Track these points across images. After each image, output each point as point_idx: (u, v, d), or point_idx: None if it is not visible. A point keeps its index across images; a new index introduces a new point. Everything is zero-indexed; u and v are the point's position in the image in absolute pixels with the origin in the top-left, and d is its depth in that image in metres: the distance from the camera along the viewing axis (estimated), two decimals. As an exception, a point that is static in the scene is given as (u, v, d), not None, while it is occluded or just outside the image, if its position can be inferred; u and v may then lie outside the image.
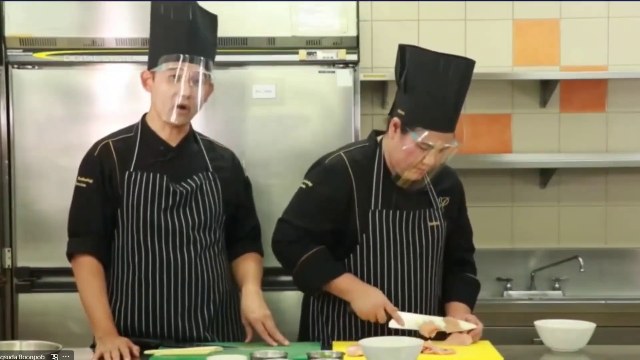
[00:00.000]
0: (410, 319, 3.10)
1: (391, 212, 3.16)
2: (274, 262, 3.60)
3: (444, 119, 3.04)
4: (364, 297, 3.10)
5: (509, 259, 4.71)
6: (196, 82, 3.13)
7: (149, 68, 3.18)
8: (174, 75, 3.10)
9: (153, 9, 3.21)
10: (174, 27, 3.15)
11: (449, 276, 3.31)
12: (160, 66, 3.12)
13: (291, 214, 3.23)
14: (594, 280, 4.71)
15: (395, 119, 3.11)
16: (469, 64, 3.08)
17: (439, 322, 3.11)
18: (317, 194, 3.19)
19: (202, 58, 3.14)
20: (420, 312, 3.19)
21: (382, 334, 3.09)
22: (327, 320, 3.26)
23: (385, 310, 3.07)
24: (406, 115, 3.07)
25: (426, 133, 3.03)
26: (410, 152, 3.07)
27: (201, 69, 3.13)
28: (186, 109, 3.14)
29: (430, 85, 3.04)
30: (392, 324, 3.08)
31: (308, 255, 3.16)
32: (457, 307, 3.22)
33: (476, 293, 3.34)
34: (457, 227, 3.30)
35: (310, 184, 3.22)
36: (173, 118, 3.13)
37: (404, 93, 3.10)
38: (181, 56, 3.11)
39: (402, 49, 3.12)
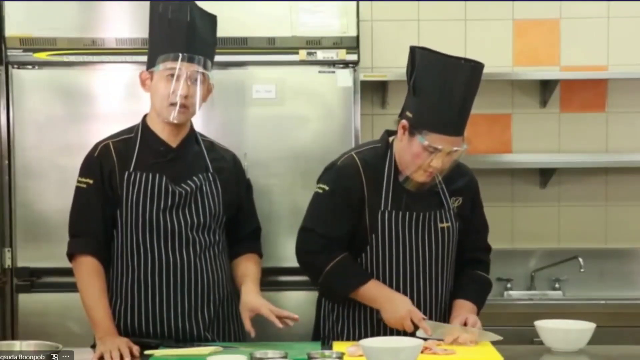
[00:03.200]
0: (437, 328, 3.09)
1: (400, 213, 3.16)
2: (274, 262, 3.61)
3: (451, 122, 3.03)
4: (390, 306, 3.10)
5: (509, 259, 4.71)
6: (195, 81, 3.13)
7: (148, 68, 3.18)
8: (173, 75, 3.10)
9: (152, 9, 3.22)
10: (173, 28, 3.15)
11: (460, 274, 3.30)
12: (158, 66, 3.13)
13: (313, 221, 3.20)
14: (594, 280, 4.71)
15: (404, 122, 3.10)
16: (476, 66, 3.05)
17: (461, 332, 3.07)
18: (335, 197, 3.17)
19: (200, 57, 3.14)
20: (431, 312, 3.18)
21: (392, 334, 3.10)
22: (338, 318, 3.27)
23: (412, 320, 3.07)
24: (414, 118, 3.07)
25: (433, 136, 3.02)
26: (417, 155, 3.06)
27: (200, 68, 3.13)
28: (184, 108, 3.14)
29: (438, 88, 3.02)
30: (420, 333, 3.05)
31: (333, 263, 3.14)
32: (462, 305, 3.21)
33: (486, 292, 3.32)
34: (470, 225, 3.29)
35: (327, 188, 3.19)
36: (172, 117, 3.13)
37: (412, 95, 3.09)
38: (179, 55, 3.11)
39: (413, 51, 3.11)
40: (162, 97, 3.13)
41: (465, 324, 3.11)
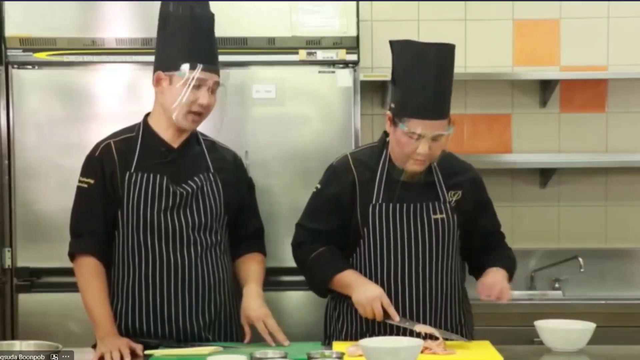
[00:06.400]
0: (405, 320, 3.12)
1: (391, 205, 3.17)
2: (274, 262, 3.61)
3: (426, 106, 3.05)
4: (362, 289, 3.12)
5: (509, 259, 4.71)
6: (213, 91, 3.16)
7: (165, 70, 3.14)
8: (198, 85, 3.11)
9: (171, 9, 3.16)
10: (196, 33, 3.14)
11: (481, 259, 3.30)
12: (184, 72, 3.10)
13: (304, 217, 3.31)
14: (594, 280, 4.71)
15: (388, 112, 3.16)
16: (443, 47, 3.09)
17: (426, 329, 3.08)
18: (324, 194, 3.25)
19: (218, 68, 3.18)
20: (427, 306, 3.17)
21: (391, 333, 3.10)
22: (339, 317, 3.28)
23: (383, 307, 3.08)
24: (395, 107, 3.11)
25: (412, 122, 3.05)
26: (403, 143, 3.09)
27: (218, 79, 3.17)
28: (201, 116, 3.17)
29: (410, 74, 3.07)
30: (389, 320, 3.09)
31: (315, 254, 3.21)
32: (492, 271, 3.19)
33: (510, 260, 3.28)
34: (478, 225, 3.28)
35: (319, 186, 3.29)
36: (187, 124, 3.16)
37: (393, 86, 3.15)
38: (206, 66, 3.12)
39: (391, 45, 3.16)
40: (182, 104, 3.12)
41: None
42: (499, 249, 3.33)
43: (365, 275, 3.18)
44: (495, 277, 3.16)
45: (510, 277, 3.25)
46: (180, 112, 3.13)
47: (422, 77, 3.05)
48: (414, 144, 3.07)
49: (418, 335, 3.00)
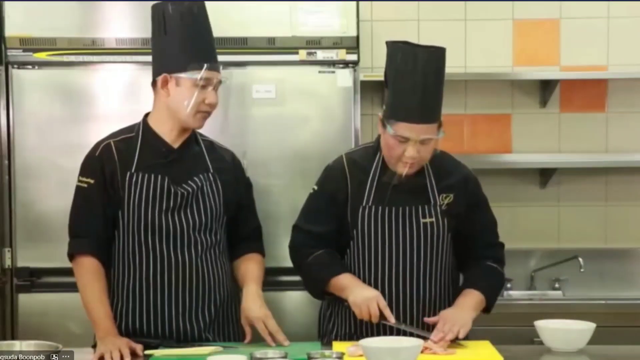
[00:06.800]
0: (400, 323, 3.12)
1: (380, 208, 3.17)
2: (273, 262, 3.61)
3: (415, 109, 3.03)
4: (358, 291, 3.11)
5: (509, 259, 4.60)
6: (216, 89, 3.18)
7: (170, 72, 3.13)
8: (206, 85, 3.12)
9: (170, 11, 3.16)
10: (197, 33, 3.15)
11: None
12: (192, 72, 3.11)
13: (301, 219, 3.30)
14: (594, 280, 4.71)
15: (379, 115, 3.15)
16: (433, 51, 3.07)
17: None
18: (320, 195, 3.26)
19: (221, 66, 3.19)
20: (415, 309, 3.17)
21: (382, 334, 3.09)
22: (331, 316, 3.30)
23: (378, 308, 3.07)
24: (385, 110, 3.11)
25: (399, 125, 3.04)
26: (391, 146, 3.09)
27: (221, 77, 3.19)
28: (208, 114, 3.18)
29: (400, 77, 3.06)
30: (385, 322, 3.08)
31: (312, 257, 3.21)
32: (463, 294, 3.20)
33: (487, 275, 3.26)
34: (471, 225, 3.26)
35: (315, 187, 3.29)
36: (196, 123, 3.18)
37: (385, 88, 3.15)
38: (214, 65, 3.14)
39: (387, 46, 3.15)
40: (192, 104, 3.12)
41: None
42: (484, 263, 3.27)
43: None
44: (454, 314, 3.09)
45: (490, 297, 3.24)
46: (190, 112, 3.14)
47: (411, 81, 3.03)
48: (402, 147, 3.06)
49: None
